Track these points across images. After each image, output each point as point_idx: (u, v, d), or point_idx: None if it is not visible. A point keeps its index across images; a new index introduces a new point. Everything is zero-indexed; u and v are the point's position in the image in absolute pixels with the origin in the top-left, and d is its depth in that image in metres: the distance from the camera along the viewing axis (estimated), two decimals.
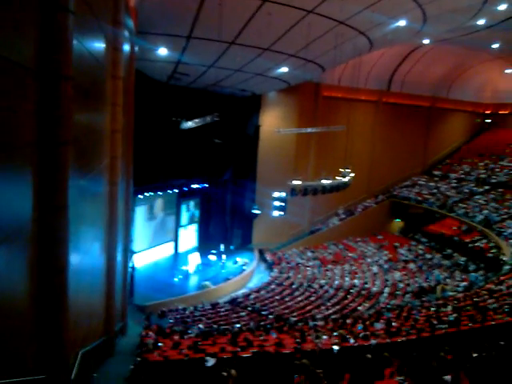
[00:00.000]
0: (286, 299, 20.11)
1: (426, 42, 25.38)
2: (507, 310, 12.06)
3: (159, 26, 14.65)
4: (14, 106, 3.06)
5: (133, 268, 16.95)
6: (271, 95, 27.81)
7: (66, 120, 3.98)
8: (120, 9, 8.17)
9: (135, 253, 19.07)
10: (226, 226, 28.00)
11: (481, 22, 20.25)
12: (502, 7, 18.14)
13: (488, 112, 39.31)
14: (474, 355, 6.90)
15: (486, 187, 29.75)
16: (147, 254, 23.38)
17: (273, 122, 27.59)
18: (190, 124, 20.96)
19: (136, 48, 13.13)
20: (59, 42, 3.77)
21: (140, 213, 23.00)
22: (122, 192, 10.09)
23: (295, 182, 20.05)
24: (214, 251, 25.41)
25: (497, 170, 31.59)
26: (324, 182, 20.46)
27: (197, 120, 21.05)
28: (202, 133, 22.46)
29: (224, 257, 25.13)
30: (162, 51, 16.29)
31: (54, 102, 3.78)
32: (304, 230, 30.01)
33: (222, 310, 18.20)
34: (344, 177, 21.41)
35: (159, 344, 10.37)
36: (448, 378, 5.44)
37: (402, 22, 17.80)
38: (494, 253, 21.76)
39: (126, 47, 10.69)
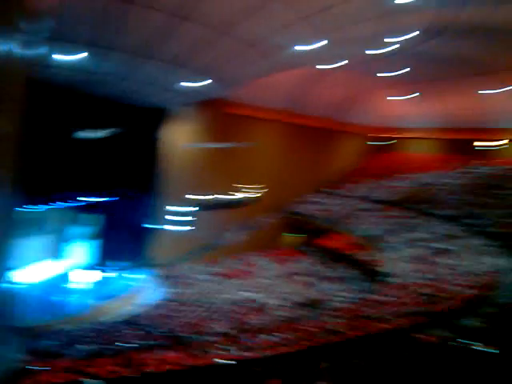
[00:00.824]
0: (183, 315, 19.82)
1: (326, 66, 26.92)
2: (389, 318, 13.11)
3: (56, 31, 13.90)
4: None
5: (13, 286, 15.62)
6: (179, 109, 27.51)
7: None
8: (13, 10, 7.63)
9: (16, 269, 17.63)
10: (123, 241, 26.91)
11: (378, 51, 21.79)
12: (396, 39, 19.70)
13: (376, 136, 42.85)
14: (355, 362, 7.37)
15: (372, 204, 32.23)
16: (36, 271, 21.69)
17: (180, 136, 27.36)
18: (90, 135, 20.01)
19: (31, 51, 12.33)
20: None
21: (30, 227, 21.36)
22: (1, 203, 9.29)
23: (201, 197, 20.03)
24: (110, 268, 24.30)
25: (382, 188, 34.46)
26: (228, 197, 20.70)
27: (99, 130, 20.15)
28: (103, 144, 21.53)
29: (120, 273, 24.16)
30: (60, 56, 15.43)
31: None
32: (206, 245, 30.00)
33: (112, 329, 17.40)
34: (250, 193, 21.88)
35: (40, 368, 9.69)
36: None
37: (307, 47, 18.69)
38: (376, 265, 23.51)
39: (19, 50, 10.00)
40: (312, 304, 20.24)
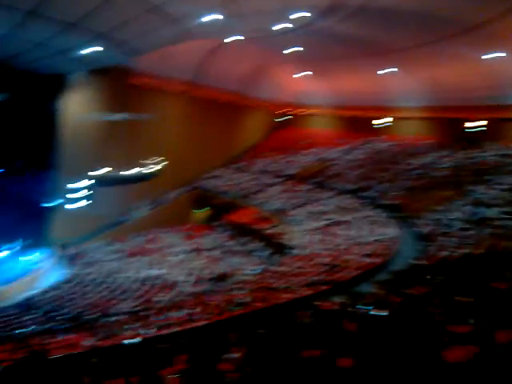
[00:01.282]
0: (87, 296, 19.07)
1: (232, 38, 26.73)
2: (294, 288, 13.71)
3: None
4: None
5: None
6: (78, 76, 25.59)
7: None
8: None
9: None
10: (18, 219, 25.03)
11: (281, 26, 22.19)
12: (299, 15, 20.22)
13: (283, 111, 43.92)
14: (260, 332, 7.60)
15: (280, 179, 33.21)
16: None
17: (79, 107, 25.71)
18: None
19: None
20: None
21: None
22: None
23: (102, 172, 19.13)
24: (4, 248, 22.54)
25: (290, 163, 35.58)
26: (132, 172, 20.03)
27: None
28: None
29: (16, 254, 22.51)
30: None
31: None
32: (109, 222, 28.87)
33: (5, 314, 16.27)
34: (153, 167, 21.33)
35: None
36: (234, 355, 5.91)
37: (214, 17, 18.33)
38: (283, 238, 24.40)
39: None
40: (220, 278, 20.52)
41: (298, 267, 17.27)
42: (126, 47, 20.35)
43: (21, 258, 22.69)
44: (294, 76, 37.22)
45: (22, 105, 21.82)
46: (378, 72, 30.11)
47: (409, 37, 23.03)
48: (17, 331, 13.10)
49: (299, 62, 32.92)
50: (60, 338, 10.97)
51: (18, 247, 23.83)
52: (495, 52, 22.08)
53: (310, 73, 35.69)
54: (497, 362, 2.09)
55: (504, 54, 22.11)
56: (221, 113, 36.78)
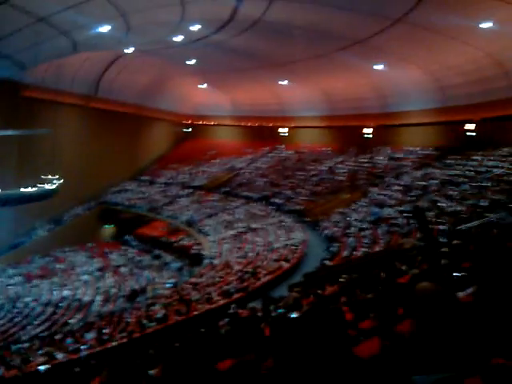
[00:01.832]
0: None
1: (130, 50, 26.32)
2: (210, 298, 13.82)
3: None
4: None
5: None
6: None
7: None
8: None
9: None
10: None
11: (179, 38, 22.46)
12: (195, 28, 20.67)
13: (188, 122, 43.92)
14: (176, 345, 7.68)
15: (189, 190, 33.14)
16: None
17: None
18: None
19: None
20: None
21: None
22: None
23: None
24: None
25: (197, 174, 35.67)
26: (27, 190, 18.85)
27: None
28: None
29: None
30: None
31: None
32: (4, 245, 26.69)
33: None
34: (50, 184, 20.23)
35: None
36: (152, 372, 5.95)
37: (107, 28, 18.01)
38: (196, 249, 24.43)
39: None
40: (133, 295, 20.04)
41: (212, 277, 17.42)
42: (13, 60, 19.23)
43: None
44: (198, 87, 37.50)
45: None
46: (279, 82, 31.45)
47: (302, 49, 24.26)
48: None
49: (201, 73, 33.25)
50: None
51: None
52: (379, 64, 24.27)
53: (212, 84, 36.29)
54: (401, 353, 2.41)
55: (382, 67, 24.44)
56: (124, 125, 35.77)
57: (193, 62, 29.08)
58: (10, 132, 21.79)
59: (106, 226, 33.23)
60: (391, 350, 2.81)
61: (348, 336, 3.13)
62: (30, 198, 19.50)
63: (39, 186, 19.91)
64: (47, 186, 20.25)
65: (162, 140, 42.08)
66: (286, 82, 31.20)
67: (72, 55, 23.23)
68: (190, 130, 44.14)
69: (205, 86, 36.98)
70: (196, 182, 34.53)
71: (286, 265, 15.90)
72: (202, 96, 40.24)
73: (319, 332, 2.43)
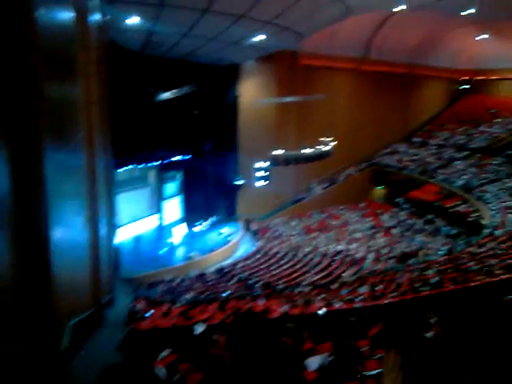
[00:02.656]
0: (273, 268, 20.37)
1: (399, 8, 24.90)
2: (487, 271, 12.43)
3: None
4: None
5: (118, 241, 16.92)
6: (250, 64, 27.17)
7: (38, 92, 3.90)
8: None
9: (120, 226, 18.98)
10: (209, 197, 27.90)
11: None
12: None
13: (465, 78, 39.53)
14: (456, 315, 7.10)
15: (466, 153, 30.18)
16: (132, 227, 23.23)
17: (252, 92, 27.27)
18: (166, 95, 20.52)
19: (107, 17, 12.71)
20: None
21: (122, 186, 22.69)
22: (101, 164, 9.92)
23: (277, 152, 20.01)
24: (199, 222, 25.48)
25: (475, 135, 32.02)
26: (306, 151, 20.47)
27: (174, 91, 20.63)
28: (180, 104, 22.13)
29: (211, 228, 25.21)
30: (134, 20, 15.60)
31: (24, 74, 3.69)
32: (288, 200, 30.15)
33: (209, 280, 18.39)
34: (326, 146, 21.47)
35: (149, 313, 10.49)
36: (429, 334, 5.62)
37: None
38: (474, 217, 22.26)
39: (97, 16, 10.35)
40: (404, 257, 19.77)
41: (493, 248, 15.58)
42: (291, 31, 20.61)
43: (216, 232, 25.34)
44: (476, 38, 32.91)
45: (206, 95, 24.14)
46: None
47: None
48: (222, 295, 14.62)
49: (480, 22, 28.92)
50: (256, 302, 11.88)
51: (213, 221, 26.63)
52: None
53: (494, 34, 31.10)
54: None
55: None
56: (394, 86, 34.81)
57: (470, 11, 25.47)
58: (290, 99, 23.95)
59: (378, 187, 33.57)
60: None
61: None
62: (308, 158, 21.21)
63: (316, 147, 21.39)
64: (323, 148, 21.59)
65: (434, 99, 39.25)
66: None
67: (342, 21, 23.55)
68: (467, 86, 39.64)
69: (485, 36, 32.15)
70: (474, 143, 31.09)
71: None
72: (482, 48, 35.28)
73: None
